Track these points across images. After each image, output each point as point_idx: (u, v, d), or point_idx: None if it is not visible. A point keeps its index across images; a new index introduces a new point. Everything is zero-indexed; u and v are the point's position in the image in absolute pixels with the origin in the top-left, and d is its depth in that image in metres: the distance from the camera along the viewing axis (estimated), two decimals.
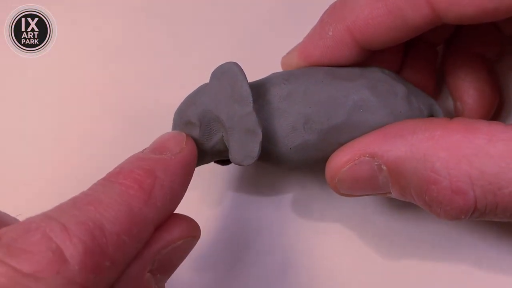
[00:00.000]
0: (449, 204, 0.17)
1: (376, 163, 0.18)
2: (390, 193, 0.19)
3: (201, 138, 0.20)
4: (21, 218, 0.16)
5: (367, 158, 0.18)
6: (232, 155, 0.19)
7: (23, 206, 0.24)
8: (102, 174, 0.25)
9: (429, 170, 0.16)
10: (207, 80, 0.21)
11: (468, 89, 0.22)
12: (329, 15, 0.20)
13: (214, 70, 0.20)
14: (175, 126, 0.20)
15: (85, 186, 0.25)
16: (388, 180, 0.18)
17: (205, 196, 0.24)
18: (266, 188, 0.24)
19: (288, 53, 0.22)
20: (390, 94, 0.19)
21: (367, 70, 0.20)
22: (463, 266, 0.23)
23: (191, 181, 0.19)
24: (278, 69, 0.24)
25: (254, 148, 0.18)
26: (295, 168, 0.23)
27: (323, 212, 0.24)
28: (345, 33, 0.19)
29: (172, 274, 0.23)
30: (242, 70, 0.19)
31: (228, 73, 0.19)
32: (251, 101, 0.18)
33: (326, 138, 0.19)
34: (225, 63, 0.19)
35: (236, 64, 0.19)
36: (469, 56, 0.22)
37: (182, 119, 0.20)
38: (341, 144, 0.19)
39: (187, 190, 0.21)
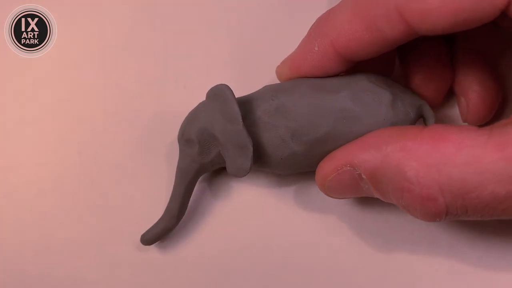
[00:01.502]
0: (422, 209, 0.18)
1: (357, 172, 0.19)
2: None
3: (201, 153, 0.22)
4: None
5: (348, 168, 0.19)
6: (228, 168, 0.22)
7: (23, 206, 0.25)
8: (103, 175, 0.25)
9: (402, 179, 0.18)
10: (208, 81, 0.22)
11: (471, 84, 0.22)
12: (315, 29, 0.21)
13: (208, 91, 0.22)
14: (179, 142, 0.23)
15: (85, 187, 0.25)
16: (369, 186, 0.19)
17: (205, 194, 0.24)
18: (267, 187, 0.24)
19: (281, 64, 0.23)
20: (373, 103, 0.20)
21: (353, 80, 0.21)
22: (462, 263, 0.23)
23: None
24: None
25: (246, 162, 0.21)
26: (291, 174, 0.24)
27: (323, 209, 0.24)
28: (329, 48, 0.20)
29: (172, 272, 0.23)
30: (232, 92, 0.21)
31: (219, 95, 0.21)
32: (241, 120, 0.20)
33: (313, 148, 0.21)
34: (217, 85, 0.21)
35: (226, 86, 0.21)
36: (471, 52, 0.22)
37: (183, 136, 0.22)
38: (327, 153, 0.21)
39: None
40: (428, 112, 0.22)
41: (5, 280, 0.24)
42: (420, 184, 0.17)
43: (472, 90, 0.22)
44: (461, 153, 0.17)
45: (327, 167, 0.20)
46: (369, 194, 0.20)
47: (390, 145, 0.18)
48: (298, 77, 0.22)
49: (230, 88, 0.21)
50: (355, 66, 0.22)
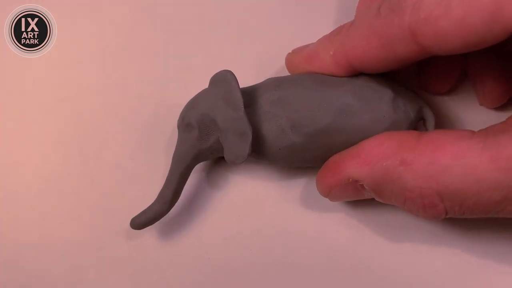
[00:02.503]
0: (424, 213, 0.19)
1: (359, 183, 0.20)
2: None
3: (200, 138, 0.22)
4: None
5: (351, 181, 0.20)
6: (226, 155, 0.21)
7: (23, 206, 0.25)
8: (103, 175, 0.25)
9: (404, 189, 0.19)
10: (208, 81, 0.22)
11: (485, 68, 0.22)
12: (336, 35, 0.21)
13: (212, 77, 0.22)
14: (178, 128, 0.23)
15: (85, 187, 0.25)
16: (372, 194, 0.20)
17: (204, 189, 0.24)
18: (266, 180, 0.24)
19: (296, 53, 0.23)
20: (374, 100, 0.21)
21: (356, 77, 0.21)
22: (463, 261, 0.23)
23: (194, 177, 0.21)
24: (277, 67, 0.24)
25: (245, 149, 0.21)
26: (287, 167, 0.24)
27: (322, 203, 0.24)
28: (342, 58, 0.21)
29: (171, 266, 0.23)
30: (235, 78, 0.21)
31: (223, 80, 0.21)
32: (242, 106, 0.20)
33: (312, 141, 0.21)
34: (221, 71, 0.21)
35: (230, 72, 0.21)
36: None
37: (183, 121, 0.22)
38: (327, 146, 0.21)
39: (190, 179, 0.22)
40: (428, 114, 0.22)
41: (5, 280, 0.24)
42: (421, 195, 0.19)
43: (487, 74, 0.23)
44: (458, 164, 0.18)
45: (329, 180, 0.21)
46: (371, 197, 0.21)
47: (390, 159, 0.19)
48: (307, 70, 0.22)
49: (233, 75, 0.21)
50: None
